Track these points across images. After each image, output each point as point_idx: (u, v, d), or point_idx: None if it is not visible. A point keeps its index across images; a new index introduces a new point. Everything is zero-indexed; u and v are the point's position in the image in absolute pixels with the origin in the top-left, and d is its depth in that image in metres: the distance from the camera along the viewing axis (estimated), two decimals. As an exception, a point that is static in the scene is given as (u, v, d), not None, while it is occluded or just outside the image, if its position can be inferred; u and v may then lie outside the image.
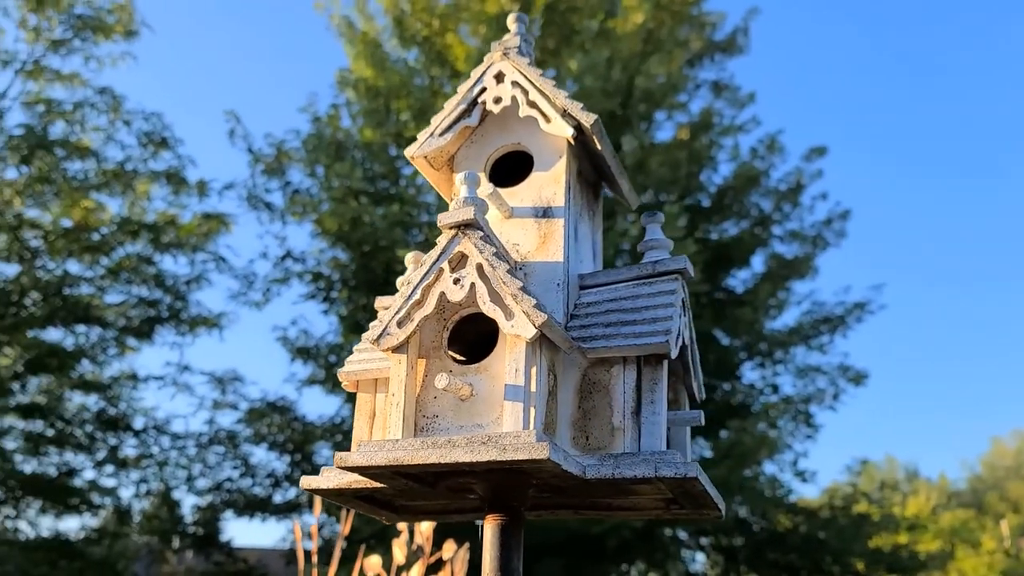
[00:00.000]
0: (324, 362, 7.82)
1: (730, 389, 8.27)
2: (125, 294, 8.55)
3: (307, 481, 1.00)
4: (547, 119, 1.04)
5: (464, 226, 0.93)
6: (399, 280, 1.03)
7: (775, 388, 8.28)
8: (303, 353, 7.96)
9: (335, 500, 1.04)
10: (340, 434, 7.76)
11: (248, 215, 11.38)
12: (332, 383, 7.66)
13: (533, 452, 0.79)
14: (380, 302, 1.09)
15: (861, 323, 8.13)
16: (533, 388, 0.87)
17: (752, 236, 8.32)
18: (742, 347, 8.15)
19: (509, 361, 0.88)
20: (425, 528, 2.16)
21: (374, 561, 2.09)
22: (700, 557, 8.89)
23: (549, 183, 1.05)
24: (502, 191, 1.07)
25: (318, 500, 2.12)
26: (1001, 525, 22.36)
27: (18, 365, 8.15)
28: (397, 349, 0.94)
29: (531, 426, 0.85)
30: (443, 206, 6.22)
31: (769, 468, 7.82)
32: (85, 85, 8.39)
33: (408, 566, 2.16)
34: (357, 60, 8.32)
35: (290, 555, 7.64)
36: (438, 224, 0.93)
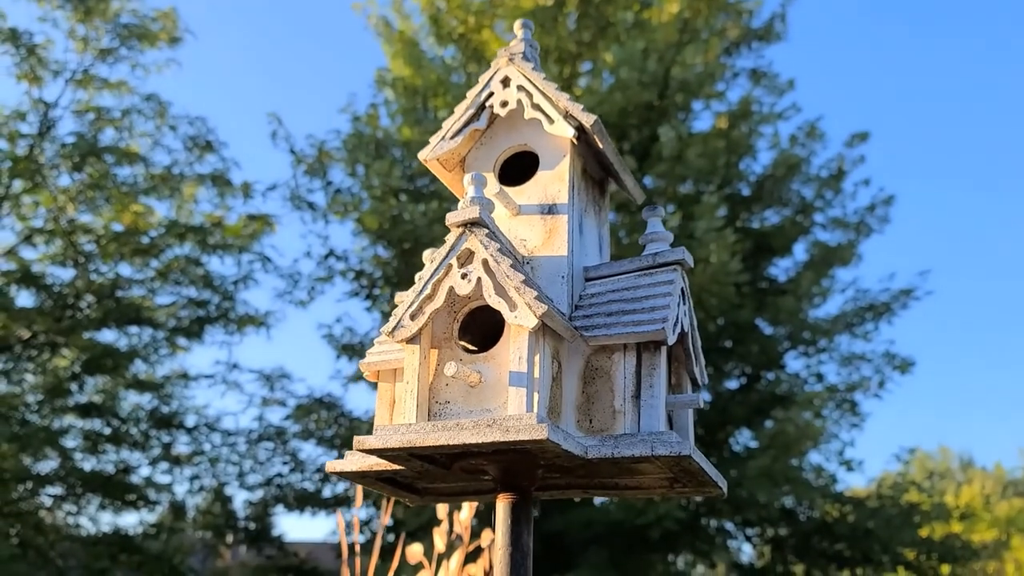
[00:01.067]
0: (369, 358, 7.95)
1: (774, 378, 8.23)
2: (175, 295, 8.77)
3: (332, 465, 1.07)
4: (550, 120, 1.10)
5: (471, 224, 0.99)
6: (416, 276, 1.09)
7: (819, 377, 8.21)
8: (348, 350, 8.12)
9: (360, 482, 1.11)
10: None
11: (291, 215, 11.62)
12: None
13: (533, 433, 0.85)
14: (399, 297, 1.15)
15: (907, 310, 8.03)
16: (536, 374, 0.93)
17: (793, 224, 8.27)
18: (785, 336, 8.10)
19: (513, 349, 0.93)
20: (464, 518, 2.24)
21: (416, 549, 2.17)
22: (747, 547, 8.87)
23: (554, 181, 1.11)
24: (511, 190, 1.13)
25: (359, 493, 2.20)
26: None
27: (75, 366, 8.44)
28: (410, 340, 1.00)
29: (534, 409, 0.91)
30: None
31: (815, 457, 7.77)
32: (132, 92, 8.63)
33: (448, 554, 2.24)
34: (395, 59, 8.45)
35: (339, 548, 7.77)
36: (446, 223, 1.00)
